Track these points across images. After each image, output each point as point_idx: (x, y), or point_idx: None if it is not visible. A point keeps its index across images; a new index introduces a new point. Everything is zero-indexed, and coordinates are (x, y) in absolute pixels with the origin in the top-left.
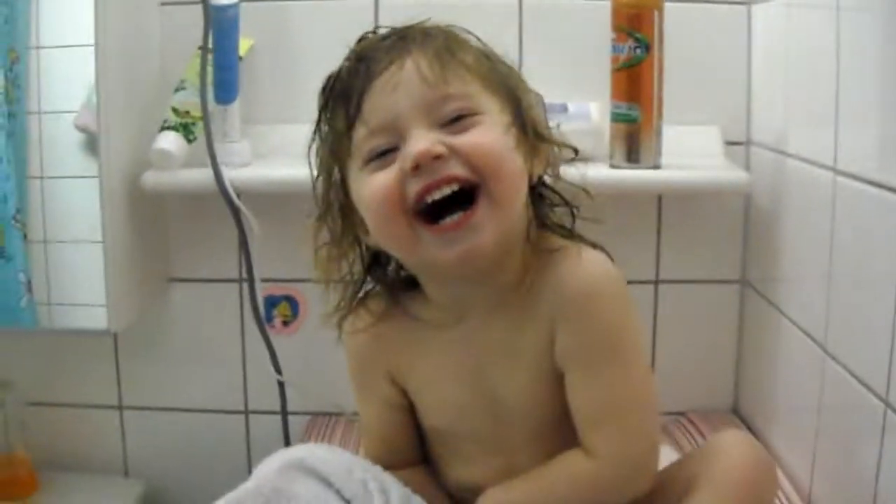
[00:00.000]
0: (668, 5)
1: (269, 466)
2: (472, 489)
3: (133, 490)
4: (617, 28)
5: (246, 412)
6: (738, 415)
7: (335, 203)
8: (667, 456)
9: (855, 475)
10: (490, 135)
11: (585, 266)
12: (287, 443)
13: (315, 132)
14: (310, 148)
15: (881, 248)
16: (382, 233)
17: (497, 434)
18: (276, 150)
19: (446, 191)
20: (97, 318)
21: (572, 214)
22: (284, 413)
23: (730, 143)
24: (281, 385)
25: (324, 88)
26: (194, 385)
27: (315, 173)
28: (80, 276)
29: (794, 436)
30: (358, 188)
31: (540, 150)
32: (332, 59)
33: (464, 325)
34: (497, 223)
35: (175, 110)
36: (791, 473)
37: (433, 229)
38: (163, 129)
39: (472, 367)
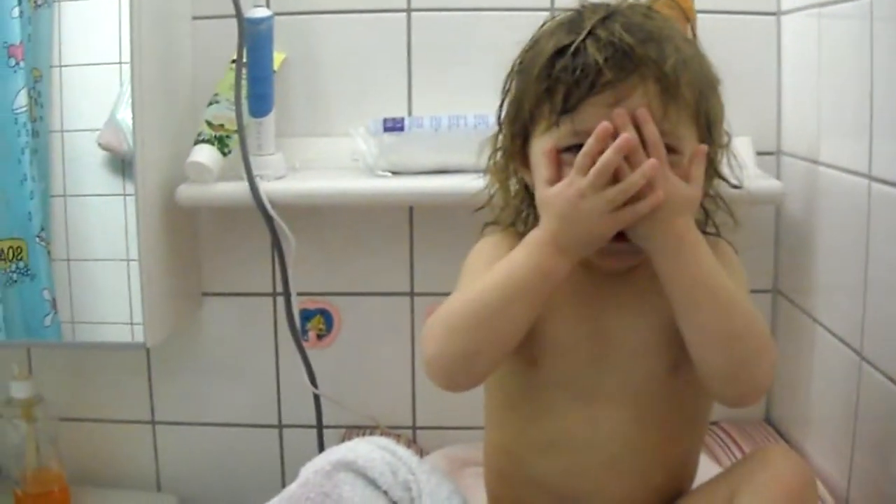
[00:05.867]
0: (698, 17)
1: (317, 467)
2: (549, 446)
3: None
4: None
5: (280, 426)
6: (771, 423)
7: (509, 133)
8: (703, 465)
9: (894, 483)
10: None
11: (728, 247)
12: None
13: (519, 67)
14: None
15: None
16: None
17: (597, 381)
18: (310, 163)
19: None
20: (123, 335)
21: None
22: (320, 426)
23: (760, 153)
24: (316, 398)
25: (551, 57)
26: (227, 399)
27: (503, 96)
28: (105, 293)
29: (830, 444)
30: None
31: (709, 179)
32: (365, 72)
33: (594, 275)
34: None
35: (209, 124)
36: (827, 482)
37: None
38: (197, 142)
39: (596, 306)
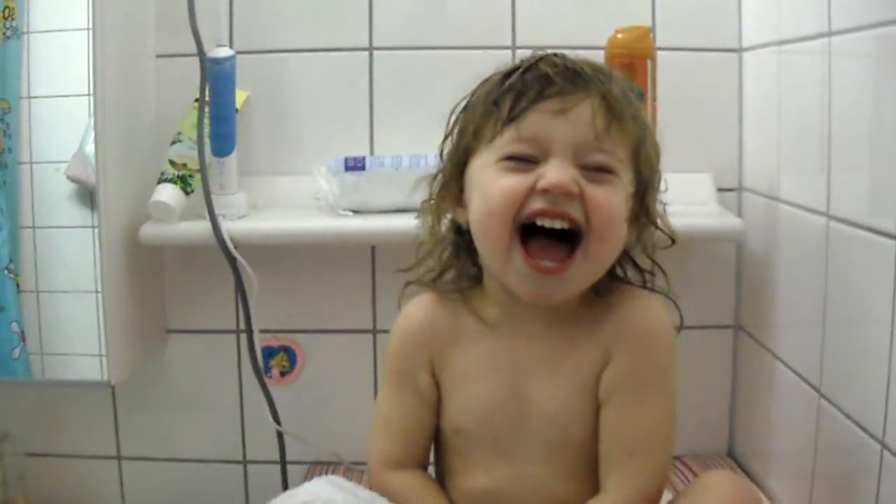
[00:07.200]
0: (659, 54)
1: None
2: (478, 498)
3: None
4: None
5: (244, 462)
6: (734, 458)
7: (450, 165)
8: (665, 500)
9: None
10: (615, 199)
11: (653, 307)
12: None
13: (467, 100)
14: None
15: (874, 291)
16: (484, 226)
17: (519, 442)
18: (272, 202)
19: (557, 224)
20: (92, 369)
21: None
22: (284, 462)
23: (721, 190)
24: (280, 435)
25: (502, 77)
26: (192, 435)
27: (449, 129)
28: (74, 325)
29: (790, 478)
30: (482, 175)
31: (642, 227)
32: (327, 111)
33: (516, 330)
34: (582, 280)
35: (172, 163)
36: None
37: (528, 259)
38: (160, 181)
39: (514, 371)
